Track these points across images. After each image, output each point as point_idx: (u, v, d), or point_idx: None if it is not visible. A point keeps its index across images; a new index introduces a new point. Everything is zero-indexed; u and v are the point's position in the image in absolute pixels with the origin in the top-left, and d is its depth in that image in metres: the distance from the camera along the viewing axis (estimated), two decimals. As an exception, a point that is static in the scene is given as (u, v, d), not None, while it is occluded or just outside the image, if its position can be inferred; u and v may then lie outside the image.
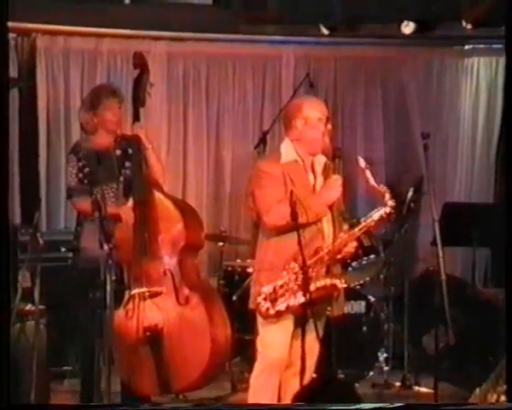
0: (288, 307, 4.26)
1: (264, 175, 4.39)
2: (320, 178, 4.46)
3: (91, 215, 4.78)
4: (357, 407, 2.79)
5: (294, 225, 4.22)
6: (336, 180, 4.38)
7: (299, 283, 4.22)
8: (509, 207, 3.67)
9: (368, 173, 4.33)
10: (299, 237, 4.18)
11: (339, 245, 4.31)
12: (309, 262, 4.23)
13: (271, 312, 4.27)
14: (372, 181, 4.33)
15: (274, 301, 4.27)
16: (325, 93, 7.08)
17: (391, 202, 4.30)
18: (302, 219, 4.24)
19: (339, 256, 4.36)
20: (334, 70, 7.15)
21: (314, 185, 4.44)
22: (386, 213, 4.31)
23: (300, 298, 4.22)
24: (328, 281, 4.27)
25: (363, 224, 4.33)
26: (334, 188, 4.38)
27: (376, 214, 4.31)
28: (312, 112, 4.44)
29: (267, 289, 4.28)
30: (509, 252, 3.64)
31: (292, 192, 4.23)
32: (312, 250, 4.28)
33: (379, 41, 7.00)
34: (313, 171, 4.45)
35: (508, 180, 3.71)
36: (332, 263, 4.34)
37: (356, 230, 4.33)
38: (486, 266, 7.05)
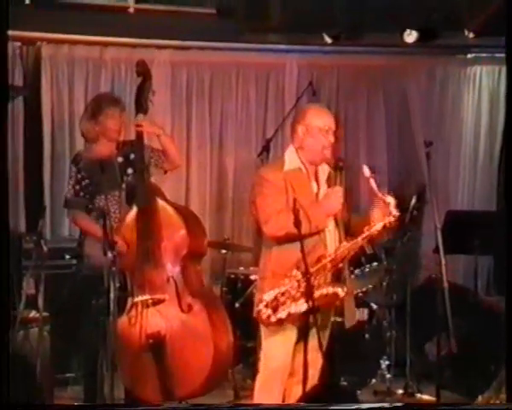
0: (289, 315, 4.23)
1: (266, 183, 4.35)
2: (324, 187, 4.42)
3: (84, 230, 4.82)
4: (357, 406, 2.78)
5: (294, 236, 4.19)
6: (337, 192, 4.32)
7: (301, 290, 4.19)
8: (508, 213, 3.65)
9: (372, 182, 4.28)
10: (302, 244, 4.16)
11: (341, 254, 4.28)
12: (311, 270, 4.19)
13: (272, 319, 4.25)
14: (377, 190, 4.27)
15: (275, 308, 4.24)
16: (328, 101, 7.07)
17: (395, 212, 4.24)
18: (303, 229, 4.20)
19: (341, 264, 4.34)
20: (336, 78, 7.16)
21: (317, 194, 4.40)
22: (390, 222, 4.27)
23: (302, 306, 4.20)
24: (329, 289, 4.24)
25: (367, 233, 4.29)
26: (335, 199, 4.31)
27: (379, 224, 4.27)
28: (314, 120, 4.39)
29: (268, 296, 4.26)
30: (510, 259, 3.62)
31: (295, 200, 4.22)
32: (315, 259, 4.24)
33: (382, 50, 7.00)
34: (317, 179, 4.42)
35: (507, 186, 3.69)
36: (334, 271, 4.32)
37: (359, 239, 4.28)
38: (489, 274, 7.05)
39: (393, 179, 7.15)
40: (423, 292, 6.03)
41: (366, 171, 4.30)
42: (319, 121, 4.39)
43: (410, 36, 6.44)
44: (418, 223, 6.52)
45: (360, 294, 5.92)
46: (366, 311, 5.92)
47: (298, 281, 4.22)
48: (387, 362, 5.89)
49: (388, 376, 5.85)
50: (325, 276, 4.27)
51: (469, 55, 7.19)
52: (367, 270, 5.93)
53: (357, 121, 7.21)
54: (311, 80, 6.78)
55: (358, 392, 5.51)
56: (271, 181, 4.34)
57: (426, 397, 5.64)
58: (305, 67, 7.04)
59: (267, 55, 7.05)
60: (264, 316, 4.27)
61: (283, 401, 4.44)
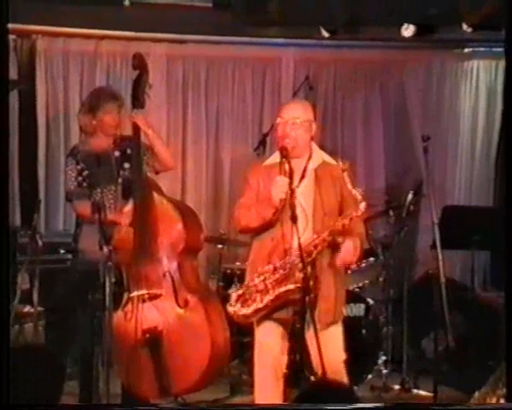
0: (255, 311, 4.28)
1: (243, 180, 4.53)
2: (306, 182, 4.40)
3: (91, 218, 4.79)
4: (354, 406, 2.79)
5: (250, 229, 4.40)
6: (277, 182, 4.27)
7: (268, 285, 4.25)
8: (508, 209, 3.66)
9: (345, 176, 4.25)
10: (298, 239, 4.16)
11: (306, 248, 4.22)
12: (276, 265, 4.26)
13: (240, 313, 4.31)
14: (349, 184, 4.24)
15: (243, 303, 4.31)
16: (325, 96, 7.10)
17: (363, 205, 4.21)
18: (255, 222, 4.34)
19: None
20: (334, 73, 7.17)
21: (293, 189, 4.30)
22: (357, 215, 4.26)
23: (266, 301, 4.25)
24: (289, 286, 4.24)
25: (333, 227, 4.27)
26: (275, 189, 4.25)
27: (346, 218, 4.25)
28: (278, 114, 4.48)
29: (236, 291, 4.32)
30: (509, 254, 3.63)
31: (292, 192, 4.24)
32: (282, 252, 4.27)
33: (379, 44, 7.00)
34: (303, 175, 4.40)
35: (508, 182, 3.70)
36: (306, 265, 4.24)
37: (325, 233, 4.27)
38: (485, 270, 7.06)
39: (390, 174, 7.17)
40: (420, 287, 6.06)
41: (340, 164, 4.30)
42: (279, 114, 4.46)
43: (408, 30, 6.44)
44: (415, 218, 6.54)
45: (357, 289, 5.95)
46: (363, 306, 5.93)
47: (263, 274, 4.27)
48: (384, 357, 5.91)
49: (385, 371, 5.86)
50: (293, 270, 4.24)
51: (467, 50, 7.20)
52: (364, 265, 5.94)
53: (354, 116, 7.22)
54: (308, 75, 6.80)
55: (355, 387, 5.53)
56: (247, 177, 4.49)
57: (422, 393, 5.66)
58: (302, 62, 7.05)
59: (264, 49, 7.06)
60: (231, 310, 4.34)
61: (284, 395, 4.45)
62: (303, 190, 4.37)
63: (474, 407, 3.81)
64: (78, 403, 5.10)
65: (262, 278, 4.27)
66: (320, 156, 4.47)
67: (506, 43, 3.91)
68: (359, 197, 4.22)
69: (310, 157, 4.44)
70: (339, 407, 2.88)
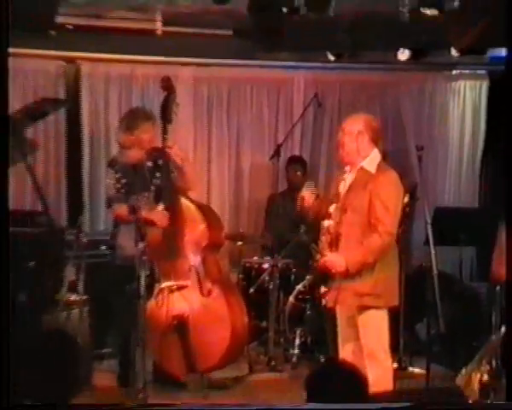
0: None
1: None
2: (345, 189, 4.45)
3: (128, 220, 4.82)
4: (354, 407, 2.68)
5: None
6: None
7: None
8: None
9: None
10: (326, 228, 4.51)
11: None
12: None
13: None
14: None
15: None
16: (331, 112, 7.10)
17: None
18: None
19: None
20: (338, 92, 7.16)
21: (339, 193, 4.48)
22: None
23: None
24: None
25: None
26: None
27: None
28: None
29: None
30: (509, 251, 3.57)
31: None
32: None
33: (378, 66, 7.00)
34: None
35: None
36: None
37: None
38: (472, 263, 7.04)
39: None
40: (415, 279, 6.03)
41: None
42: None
43: (403, 54, 6.42)
44: (410, 218, 6.51)
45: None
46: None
47: None
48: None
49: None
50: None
51: (454, 72, 7.18)
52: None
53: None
54: (317, 93, 6.80)
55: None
56: None
57: (417, 370, 5.63)
58: (311, 82, 7.05)
59: (278, 72, 7.06)
60: None
61: None
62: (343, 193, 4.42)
63: (473, 407, 3.76)
64: (117, 379, 5.13)
65: None
66: (361, 164, 4.39)
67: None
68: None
69: (356, 165, 4.39)
70: (339, 406, 2.78)
